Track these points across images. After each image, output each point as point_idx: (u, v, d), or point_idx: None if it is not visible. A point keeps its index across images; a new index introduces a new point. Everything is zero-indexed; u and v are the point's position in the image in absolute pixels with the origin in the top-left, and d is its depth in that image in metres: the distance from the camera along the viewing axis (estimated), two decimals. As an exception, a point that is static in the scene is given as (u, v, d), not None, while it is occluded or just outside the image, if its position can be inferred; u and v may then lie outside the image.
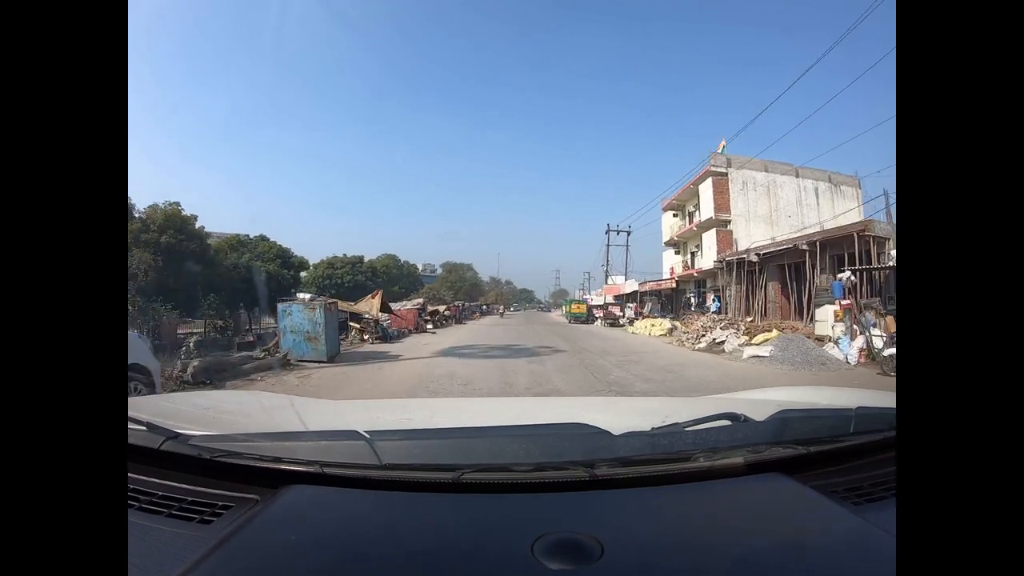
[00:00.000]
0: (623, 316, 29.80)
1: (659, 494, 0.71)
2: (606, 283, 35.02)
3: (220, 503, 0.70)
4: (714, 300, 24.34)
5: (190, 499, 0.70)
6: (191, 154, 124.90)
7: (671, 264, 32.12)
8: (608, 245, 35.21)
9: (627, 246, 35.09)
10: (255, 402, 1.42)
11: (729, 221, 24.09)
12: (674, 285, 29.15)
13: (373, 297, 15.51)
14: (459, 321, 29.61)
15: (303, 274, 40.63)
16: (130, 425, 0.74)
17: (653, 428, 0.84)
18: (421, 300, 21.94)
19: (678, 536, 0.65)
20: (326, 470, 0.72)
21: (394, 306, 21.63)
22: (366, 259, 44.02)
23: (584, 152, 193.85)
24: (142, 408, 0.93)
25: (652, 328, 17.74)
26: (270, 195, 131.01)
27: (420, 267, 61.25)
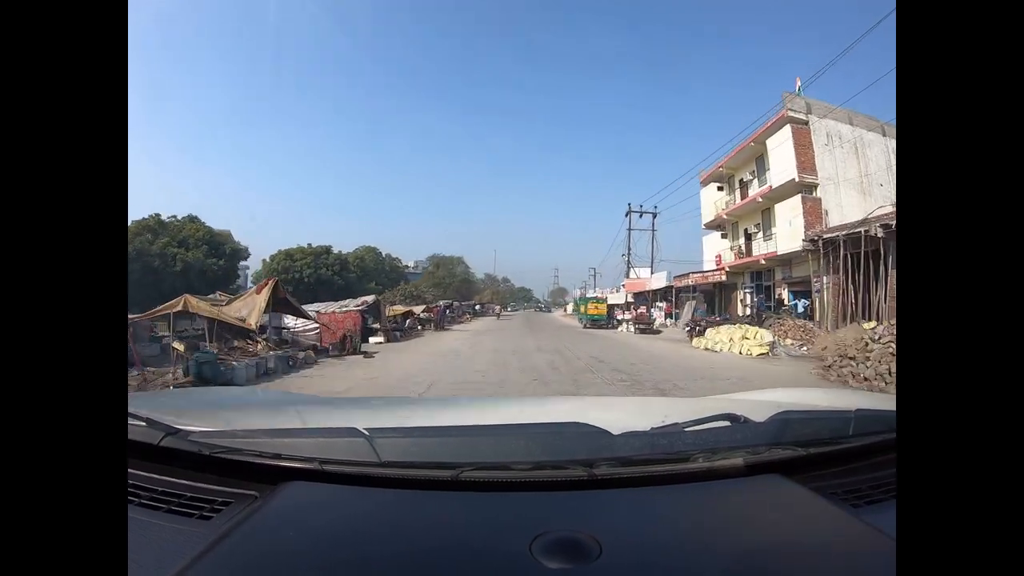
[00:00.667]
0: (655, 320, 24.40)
1: (658, 494, 0.74)
2: (627, 277, 26.56)
3: (219, 499, 0.72)
4: (793, 297, 18.81)
5: (189, 495, 0.73)
6: (190, 153, 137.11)
7: (716, 251, 26.15)
8: (629, 230, 26.80)
9: (653, 231, 26.87)
10: (255, 399, 1.46)
11: (816, 185, 18.67)
12: (723, 278, 24.63)
13: (259, 291, 6.84)
14: (441, 326, 24.57)
15: (245, 264, 31.39)
16: (130, 421, 0.76)
17: (653, 428, 0.86)
18: (371, 298, 13.13)
19: (676, 536, 0.67)
20: (325, 467, 0.74)
21: (329, 308, 12.31)
22: (336, 250, 34.68)
23: (583, 152, 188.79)
24: (142, 404, 0.96)
25: (744, 343, 11.88)
26: (270, 196, 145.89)
27: (412, 264, 61.01)
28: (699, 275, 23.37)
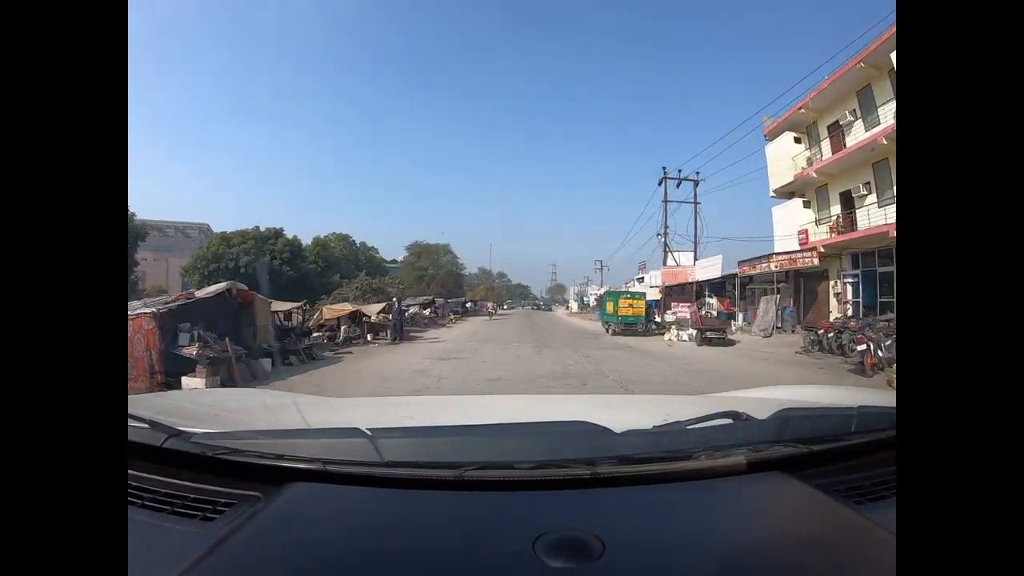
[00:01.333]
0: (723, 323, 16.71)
1: (661, 492, 0.77)
2: (664, 264, 18.60)
3: (223, 501, 0.76)
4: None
5: (192, 496, 0.77)
6: (184, 151, 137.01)
7: (797, 225, 18.68)
8: (665, 201, 19.02)
9: (695, 203, 19.19)
10: (258, 400, 1.46)
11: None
12: (815, 262, 17.04)
13: None
14: (399, 335, 16.89)
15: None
16: (132, 423, 0.81)
17: (655, 426, 0.89)
18: (216, 288, 4.75)
19: (679, 535, 0.71)
20: (328, 467, 0.77)
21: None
22: (289, 235, 27.13)
23: (581, 155, 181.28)
24: (144, 406, 0.99)
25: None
26: (269, 196, 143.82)
27: (401, 258, 55.68)
28: (786, 257, 16.10)
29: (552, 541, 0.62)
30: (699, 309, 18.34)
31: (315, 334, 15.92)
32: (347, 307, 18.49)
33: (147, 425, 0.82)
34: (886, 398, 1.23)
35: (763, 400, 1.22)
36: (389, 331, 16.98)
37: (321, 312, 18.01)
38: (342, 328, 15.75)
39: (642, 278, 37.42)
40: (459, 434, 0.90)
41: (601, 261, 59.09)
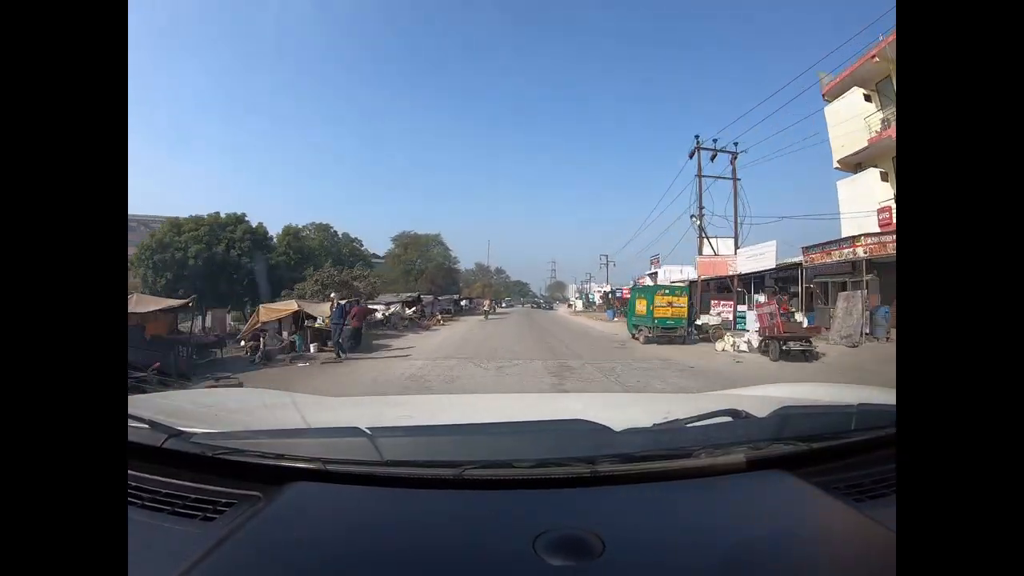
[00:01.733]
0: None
1: (660, 490, 0.80)
2: (699, 252, 13.71)
3: (223, 501, 0.79)
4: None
5: (193, 497, 0.80)
6: (184, 151, 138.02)
7: (876, 202, 14.98)
8: (700, 176, 14.18)
9: (735, 180, 14.37)
10: (257, 400, 1.48)
11: None
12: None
13: None
14: (356, 345, 13.21)
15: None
16: (132, 423, 0.84)
17: (654, 424, 0.91)
18: None
19: (679, 533, 0.73)
20: (329, 467, 0.81)
21: None
22: (251, 221, 22.11)
23: (581, 155, 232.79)
24: (144, 406, 1.02)
25: None
26: (269, 196, 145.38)
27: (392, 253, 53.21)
28: (875, 241, 12.10)
29: (552, 540, 0.63)
30: (778, 309, 12.41)
31: (243, 343, 12.34)
32: (292, 306, 14.37)
33: (147, 425, 0.84)
34: (886, 396, 1.21)
35: (763, 398, 1.25)
36: (336, 343, 11.75)
37: (257, 313, 13.83)
38: (262, 339, 11.78)
39: (655, 273, 33.96)
40: (459, 433, 0.92)
41: (607, 256, 55.70)
